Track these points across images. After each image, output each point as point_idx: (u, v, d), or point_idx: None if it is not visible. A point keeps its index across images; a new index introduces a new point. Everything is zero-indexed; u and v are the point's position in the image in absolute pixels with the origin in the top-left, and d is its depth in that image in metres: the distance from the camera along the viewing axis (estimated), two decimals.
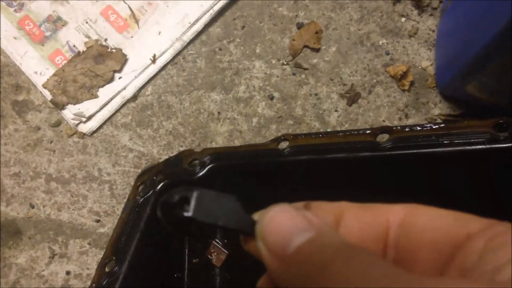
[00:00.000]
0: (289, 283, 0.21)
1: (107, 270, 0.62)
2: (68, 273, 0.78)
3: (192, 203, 0.25)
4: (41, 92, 0.84)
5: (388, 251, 0.24)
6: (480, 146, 0.53)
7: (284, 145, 0.63)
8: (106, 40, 0.83)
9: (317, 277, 0.20)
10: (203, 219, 0.25)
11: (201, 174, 0.65)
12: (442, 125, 0.55)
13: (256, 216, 0.25)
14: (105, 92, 0.81)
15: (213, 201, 0.26)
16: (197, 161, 0.66)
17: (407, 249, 0.23)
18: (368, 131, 0.59)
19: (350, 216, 0.25)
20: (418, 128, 0.56)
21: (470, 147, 0.53)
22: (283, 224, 0.23)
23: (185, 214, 0.25)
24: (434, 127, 0.55)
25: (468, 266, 0.20)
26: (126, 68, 0.82)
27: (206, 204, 0.25)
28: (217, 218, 0.25)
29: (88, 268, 0.78)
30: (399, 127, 0.57)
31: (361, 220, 0.25)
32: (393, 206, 0.25)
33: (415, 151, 0.56)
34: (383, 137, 0.58)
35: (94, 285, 0.62)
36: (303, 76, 0.78)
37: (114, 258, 0.63)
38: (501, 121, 0.52)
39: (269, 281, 0.26)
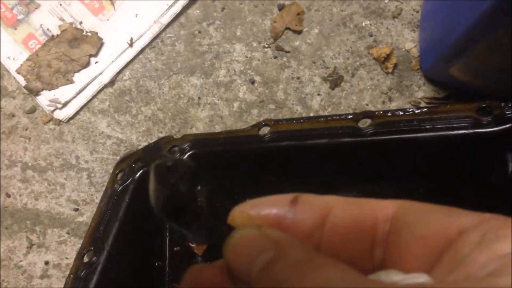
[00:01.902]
0: None
1: (85, 260, 0.61)
2: (46, 263, 0.77)
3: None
4: (14, 78, 0.81)
5: (376, 247, 0.24)
6: (463, 131, 0.52)
7: (265, 130, 0.62)
8: (81, 23, 0.80)
9: None
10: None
11: None
12: (425, 109, 0.54)
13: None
14: (81, 77, 0.79)
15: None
16: (176, 148, 0.64)
17: (397, 244, 0.23)
18: (350, 116, 0.58)
19: (337, 211, 0.24)
20: (401, 112, 0.55)
21: (453, 132, 0.52)
22: (243, 248, 0.22)
23: (171, 180, 0.24)
24: (416, 111, 0.54)
25: (458, 261, 0.20)
26: (102, 52, 0.79)
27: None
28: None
29: (67, 258, 0.76)
30: (381, 112, 0.56)
31: (348, 215, 0.24)
32: (382, 202, 0.24)
33: (396, 136, 0.54)
34: (366, 122, 0.57)
35: (72, 276, 0.60)
36: (285, 59, 0.76)
37: (92, 248, 0.62)
38: (484, 105, 0.51)
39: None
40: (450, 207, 0.22)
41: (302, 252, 0.21)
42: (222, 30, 0.78)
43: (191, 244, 0.69)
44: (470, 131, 0.51)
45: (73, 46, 0.79)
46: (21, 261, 0.77)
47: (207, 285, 0.24)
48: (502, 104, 0.51)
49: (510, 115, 0.50)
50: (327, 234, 0.24)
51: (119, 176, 0.65)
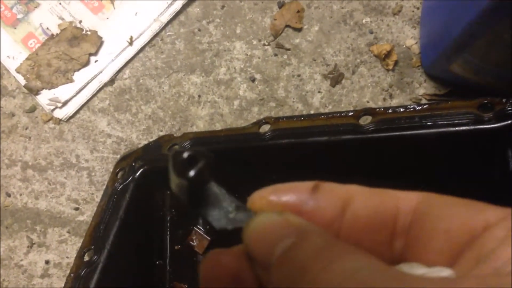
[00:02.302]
0: None
1: (86, 259, 0.61)
2: (47, 262, 0.76)
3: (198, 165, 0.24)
4: (14, 77, 0.81)
5: (396, 238, 0.23)
6: (464, 128, 0.51)
7: (265, 128, 0.61)
8: (80, 22, 0.80)
9: (300, 283, 0.19)
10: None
11: None
12: (426, 106, 0.54)
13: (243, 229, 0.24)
14: (81, 76, 0.79)
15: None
16: (177, 146, 0.64)
17: (419, 237, 0.22)
18: (350, 113, 0.57)
19: (358, 200, 0.24)
20: (401, 109, 0.55)
21: (454, 129, 0.52)
22: (265, 233, 0.22)
23: (189, 173, 0.24)
24: (417, 108, 0.54)
25: (483, 256, 0.20)
26: (102, 51, 0.79)
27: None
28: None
29: (67, 257, 0.76)
30: (382, 109, 0.56)
31: (370, 205, 0.24)
32: (404, 193, 0.24)
33: (398, 133, 0.54)
34: (366, 119, 0.57)
35: (72, 275, 0.60)
36: (285, 56, 0.76)
37: (92, 247, 0.61)
38: (485, 101, 0.51)
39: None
40: (474, 201, 0.22)
41: (324, 239, 0.21)
42: (222, 28, 0.78)
43: (191, 243, 0.69)
44: (471, 127, 0.51)
45: (73, 45, 0.79)
46: (21, 260, 0.77)
47: (225, 271, 0.24)
48: (503, 100, 0.51)
49: (511, 111, 0.50)
50: (347, 223, 0.24)
51: (119, 175, 0.65)
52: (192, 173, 0.24)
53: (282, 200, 0.25)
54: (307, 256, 0.20)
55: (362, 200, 0.24)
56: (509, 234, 0.19)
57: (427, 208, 0.23)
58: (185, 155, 0.24)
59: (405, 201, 0.23)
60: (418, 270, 0.21)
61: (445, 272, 0.20)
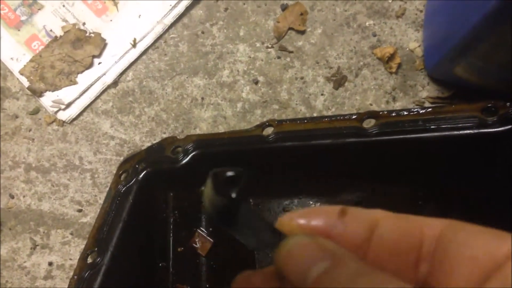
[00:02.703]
0: None
1: (89, 261, 0.61)
2: (50, 264, 0.77)
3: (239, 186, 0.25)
4: (18, 79, 0.81)
5: (421, 264, 0.24)
6: (468, 131, 0.51)
7: (269, 131, 0.61)
8: (84, 24, 0.80)
9: None
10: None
11: (184, 161, 0.63)
12: (429, 109, 0.54)
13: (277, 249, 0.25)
14: (84, 78, 0.79)
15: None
16: (180, 149, 0.64)
17: (444, 263, 0.23)
18: (354, 116, 0.57)
19: (385, 225, 0.25)
20: (405, 112, 0.55)
21: (458, 132, 0.52)
22: (299, 256, 0.23)
23: (231, 193, 0.24)
24: (421, 111, 0.54)
25: (507, 285, 0.20)
26: (106, 53, 0.79)
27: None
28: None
29: (71, 259, 0.76)
30: (385, 112, 0.56)
31: (396, 230, 0.25)
32: (429, 219, 0.24)
33: (401, 136, 0.54)
34: (370, 122, 0.57)
35: (75, 277, 0.60)
36: (288, 59, 0.76)
37: (96, 249, 0.61)
38: (489, 105, 0.51)
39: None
40: (498, 230, 0.22)
41: (358, 265, 0.22)
42: (225, 31, 0.78)
43: (194, 245, 0.69)
44: (475, 131, 0.51)
45: (76, 47, 0.79)
46: (24, 262, 0.77)
47: None
48: (508, 104, 0.51)
49: None
50: (374, 247, 0.24)
51: (122, 177, 0.65)
52: (234, 193, 0.24)
53: (311, 224, 0.25)
54: (342, 281, 0.21)
55: (388, 225, 0.25)
56: None
57: (452, 235, 0.23)
58: (228, 174, 0.25)
59: (431, 226, 0.24)
60: None
61: None
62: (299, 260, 0.23)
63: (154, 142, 0.72)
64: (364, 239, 0.25)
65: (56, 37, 0.80)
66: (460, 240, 0.23)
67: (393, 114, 0.55)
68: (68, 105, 0.79)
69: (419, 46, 0.73)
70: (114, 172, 0.66)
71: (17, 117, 0.81)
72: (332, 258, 0.22)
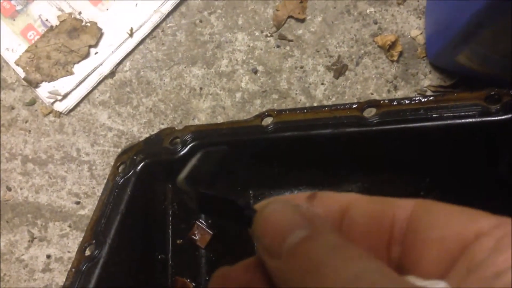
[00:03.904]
0: (284, 283, 0.21)
1: (87, 254, 0.61)
2: (48, 256, 0.76)
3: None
4: (13, 70, 0.80)
5: (394, 245, 0.24)
6: (471, 120, 0.50)
7: (268, 121, 0.60)
8: (80, 13, 0.79)
9: (311, 277, 0.20)
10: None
11: (182, 152, 0.63)
12: (431, 98, 0.53)
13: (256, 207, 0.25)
14: (81, 69, 0.78)
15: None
16: (178, 139, 0.63)
17: (414, 245, 0.23)
18: (354, 106, 0.56)
19: (356, 208, 0.24)
20: (406, 101, 0.53)
21: (460, 121, 0.50)
22: (276, 222, 0.22)
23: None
24: (423, 100, 0.53)
25: (473, 266, 0.20)
26: (102, 43, 0.78)
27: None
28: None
29: (69, 252, 0.75)
30: (386, 101, 0.55)
31: (367, 213, 0.24)
32: (401, 200, 0.24)
33: (403, 125, 0.53)
34: (371, 111, 0.56)
35: (73, 269, 0.60)
36: (288, 48, 0.75)
37: (94, 241, 0.61)
38: (492, 93, 0.50)
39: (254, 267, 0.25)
40: (469, 209, 0.22)
41: (338, 238, 0.21)
42: (223, 19, 0.77)
43: (193, 237, 0.68)
44: (478, 119, 0.50)
45: (73, 37, 0.78)
46: (22, 255, 0.77)
47: (236, 285, 0.24)
48: (511, 91, 0.49)
49: None
50: (345, 230, 0.24)
51: (120, 169, 0.64)
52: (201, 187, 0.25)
53: None
54: (320, 252, 0.20)
55: (360, 207, 0.24)
56: (498, 243, 0.19)
57: (421, 215, 0.23)
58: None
59: (401, 208, 0.23)
60: (416, 282, 0.21)
61: (440, 285, 0.20)
62: (276, 226, 0.22)
63: (152, 133, 0.71)
64: (334, 221, 0.24)
65: (51, 26, 0.79)
66: (429, 221, 0.22)
67: (394, 103, 0.54)
68: (65, 96, 0.78)
69: (421, 33, 0.71)
70: (112, 163, 0.66)
71: (13, 108, 0.80)
72: (310, 227, 0.21)
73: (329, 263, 0.19)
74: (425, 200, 0.23)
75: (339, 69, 0.73)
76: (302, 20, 0.75)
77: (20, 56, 0.78)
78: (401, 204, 0.24)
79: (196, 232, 0.68)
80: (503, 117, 0.49)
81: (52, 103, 0.78)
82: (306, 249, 0.21)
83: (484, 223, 0.21)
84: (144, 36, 0.78)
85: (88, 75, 0.77)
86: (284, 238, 0.21)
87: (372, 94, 0.71)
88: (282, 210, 0.23)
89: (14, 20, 0.80)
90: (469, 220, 0.21)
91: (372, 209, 0.24)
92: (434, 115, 0.52)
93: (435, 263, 0.21)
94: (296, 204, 0.23)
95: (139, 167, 0.63)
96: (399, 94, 0.71)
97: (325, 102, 0.72)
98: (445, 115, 0.51)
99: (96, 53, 0.78)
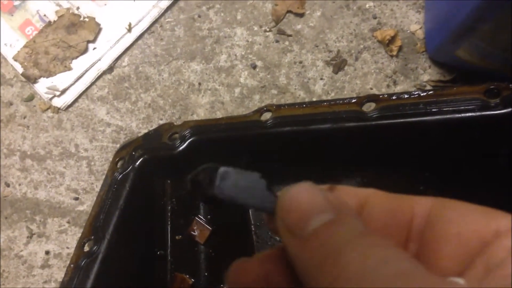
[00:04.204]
0: (304, 264, 0.21)
1: (86, 249, 0.60)
2: (47, 252, 0.76)
3: (216, 181, 0.25)
4: (12, 65, 0.79)
5: (411, 242, 0.24)
6: (470, 114, 0.50)
7: (267, 116, 0.60)
8: (78, 8, 0.78)
9: (331, 263, 0.19)
10: (225, 197, 0.25)
11: (181, 148, 0.62)
12: (431, 92, 0.52)
13: (280, 193, 0.25)
14: (79, 64, 0.77)
15: (238, 178, 0.25)
16: (177, 135, 0.63)
17: (432, 241, 0.23)
18: (353, 100, 0.56)
19: (374, 203, 0.24)
20: (406, 96, 0.53)
21: (460, 115, 0.50)
22: (303, 203, 0.22)
23: (210, 191, 0.25)
24: (422, 94, 0.52)
25: (493, 265, 0.20)
26: (101, 38, 0.78)
27: (229, 181, 0.25)
28: (239, 196, 0.25)
29: (68, 247, 0.75)
30: (385, 95, 0.54)
31: (386, 208, 0.24)
32: (420, 198, 0.24)
33: (402, 120, 0.53)
34: (370, 106, 0.56)
35: (72, 265, 0.59)
36: (287, 43, 0.74)
37: (92, 237, 0.61)
38: (492, 87, 0.50)
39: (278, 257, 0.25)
40: (488, 208, 0.22)
41: (362, 226, 0.21)
42: (222, 14, 0.77)
43: (192, 233, 0.68)
44: (478, 113, 0.50)
45: (71, 32, 0.77)
46: (21, 251, 0.77)
47: (253, 277, 0.24)
48: (511, 85, 0.49)
49: None
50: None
51: (119, 164, 0.64)
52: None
53: None
54: (346, 237, 0.20)
55: (378, 203, 0.24)
56: None
57: (440, 212, 0.23)
58: (200, 176, 0.26)
59: (421, 205, 0.23)
60: None
61: (459, 282, 0.20)
62: (301, 206, 0.22)
63: (151, 128, 0.71)
64: None
65: (49, 22, 0.78)
66: (448, 218, 0.22)
67: (394, 98, 0.54)
68: (63, 92, 0.77)
69: (420, 28, 0.71)
70: (111, 159, 0.65)
71: (11, 104, 0.79)
72: (336, 212, 0.21)
73: (355, 248, 0.19)
74: (444, 198, 0.23)
75: (338, 64, 0.72)
76: (301, 15, 0.74)
77: (18, 51, 0.78)
78: (420, 201, 0.24)
79: (195, 228, 0.68)
80: (503, 111, 0.49)
81: (51, 99, 0.78)
82: (331, 232, 0.20)
83: (503, 222, 0.21)
84: (143, 31, 0.77)
85: (86, 71, 0.77)
86: (309, 219, 0.21)
87: (371, 89, 0.71)
88: (309, 192, 0.22)
89: (12, 15, 0.80)
90: (487, 219, 0.21)
91: (391, 205, 0.24)
92: (433, 109, 0.52)
93: (452, 260, 0.21)
94: (323, 189, 0.23)
95: (137, 163, 0.63)
96: (399, 89, 0.71)
97: (324, 97, 0.72)
98: (445, 109, 0.51)
99: (94, 48, 0.77)
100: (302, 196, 0.22)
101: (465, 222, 0.21)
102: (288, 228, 0.22)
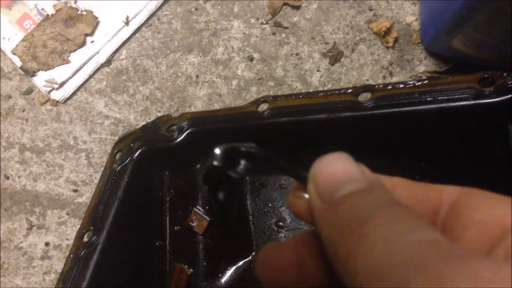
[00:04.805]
0: (330, 229, 0.21)
1: (85, 240, 0.61)
2: (47, 244, 0.76)
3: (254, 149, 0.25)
4: (10, 59, 0.80)
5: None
6: (465, 103, 0.50)
7: (264, 107, 0.61)
8: (76, 2, 0.79)
9: (356, 229, 0.19)
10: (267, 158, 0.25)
11: (179, 139, 0.63)
12: (426, 81, 0.53)
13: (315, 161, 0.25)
14: (77, 57, 0.78)
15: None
16: (175, 127, 0.64)
17: (455, 227, 0.23)
18: (349, 90, 0.56)
19: (401, 190, 0.25)
20: (401, 85, 0.54)
21: (454, 104, 0.51)
22: (336, 170, 0.23)
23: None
24: (417, 84, 0.53)
25: None
26: (98, 31, 0.78)
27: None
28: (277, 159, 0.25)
29: (67, 239, 0.76)
30: (381, 85, 0.55)
31: (412, 195, 0.24)
32: (447, 187, 0.24)
33: (397, 109, 0.53)
34: (366, 96, 0.56)
35: (72, 256, 0.60)
36: (284, 35, 0.75)
37: (92, 228, 0.61)
38: (486, 75, 0.50)
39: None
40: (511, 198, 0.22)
41: (391, 197, 0.21)
42: (219, 7, 0.77)
43: (191, 224, 0.68)
44: (472, 102, 0.50)
45: (69, 26, 0.78)
46: (21, 242, 0.77)
47: (287, 262, 0.24)
48: (504, 74, 0.50)
49: None
50: None
51: (117, 156, 0.65)
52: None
53: None
54: (374, 205, 0.20)
55: (406, 190, 0.25)
56: None
57: (464, 200, 0.23)
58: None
59: (448, 194, 0.24)
60: None
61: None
62: (334, 173, 0.22)
63: (149, 121, 0.72)
64: None
65: (48, 15, 0.79)
66: (472, 205, 0.22)
67: (389, 87, 0.54)
68: (61, 85, 0.78)
69: (416, 19, 0.71)
70: (109, 151, 0.66)
71: (10, 97, 0.80)
72: (368, 183, 0.22)
73: (382, 214, 0.19)
74: (470, 188, 0.24)
75: (334, 56, 0.73)
76: (298, 7, 0.75)
77: (17, 45, 0.78)
78: (448, 190, 0.24)
79: (193, 218, 0.68)
80: (497, 99, 0.49)
81: (49, 92, 0.78)
82: (361, 199, 0.21)
83: None
84: (140, 24, 0.78)
85: (84, 64, 0.78)
86: (341, 186, 0.22)
87: (367, 80, 0.72)
88: (344, 161, 0.23)
89: (10, 9, 0.80)
90: (510, 208, 0.21)
91: (417, 192, 0.24)
92: (428, 99, 0.52)
93: (474, 245, 0.21)
94: (357, 161, 0.24)
95: (136, 155, 0.64)
96: (395, 80, 0.71)
97: (320, 89, 0.72)
98: (439, 98, 0.52)
99: (92, 41, 0.78)
100: (337, 163, 0.23)
101: (489, 210, 0.22)
102: (319, 194, 0.22)
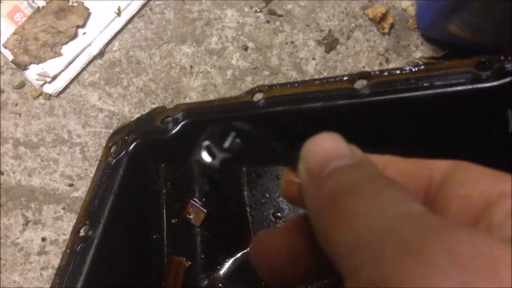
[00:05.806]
0: (316, 203, 0.21)
1: (81, 234, 0.61)
2: (43, 239, 0.76)
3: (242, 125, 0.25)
4: (1, 53, 0.79)
5: (427, 205, 0.23)
6: (462, 87, 0.50)
7: (259, 96, 0.60)
8: None
9: (340, 201, 0.20)
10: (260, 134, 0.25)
11: (174, 131, 0.62)
12: (422, 67, 0.52)
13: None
14: (69, 50, 0.77)
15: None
16: (169, 118, 0.63)
17: (440, 202, 0.23)
18: (345, 78, 0.56)
19: (392, 168, 0.25)
20: (397, 71, 0.53)
21: (451, 89, 0.50)
22: (327, 148, 0.23)
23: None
24: (413, 69, 0.52)
25: (494, 226, 0.20)
26: (90, 23, 0.77)
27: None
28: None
29: (64, 234, 0.75)
30: (377, 72, 0.54)
31: (403, 172, 0.24)
32: (439, 161, 0.24)
33: (394, 96, 0.53)
34: (362, 83, 0.55)
35: (68, 250, 0.60)
36: (278, 23, 0.74)
37: (88, 222, 0.61)
38: (483, 60, 0.49)
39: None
40: (497, 171, 0.22)
41: (379, 173, 0.21)
42: None
43: (188, 216, 0.68)
44: (469, 86, 0.50)
45: (60, 18, 0.76)
46: (17, 238, 0.77)
47: (280, 248, 0.25)
48: (502, 57, 0.49)
49: (510, 68, 0.48)
50: None
51: (112, 149, 0.64)
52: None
53: None
54: (360, 179, 0.20)
55: (397, 167, 0.24)
56: None
57: (452, 175, 0.23)
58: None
59: (439, 169, 0.24)
60: None
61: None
62: (324, 151, 0.22)
63: (144, 113, 0.71)
64: None
65: (38, 8, 0.77)
66: (458, 179, 0.22)
67: (385, 74, 0.54)
68: (54, 78, 0.77)
69: (411, 4, 0.70)
70: (104, 144, 0.65)
71: (2, 92, 0.79)
72: (356, 160, 0.22)
73: (368, 188, 0.19)
74: (460, 161, 0.23)
75: (330, 43, 0.72)
76: None
77: (8, 38, 0.77)
78: (440, 165, 0.24)
79: (190, 211, 0.68)
80: (494, 83, 0.49)
81: (42, 86, 0.77)
82: (347, 173, 0.21)
83: (508, 185, 0.20)
84: (132, 15, 0.77)
85: (76, 56, 0.77)
86: (328, 162, 0.22)
87: (364, 67, 0.71)
88: (334, 140, 0.23)
89: (0, 2, 0.79)
90: (496, 181, 0.21)
91: (409, 169, 0.24)
92: (425, 84, 0.51)
93: (457, 219, 0.21)
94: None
95: (131, 147, 0.63)
96: (391, 66, 0.70)
97: (316, 77, 0.72)
98: (436, 83, 0.51)
99: (84, 33, 0.77)
100: (328, 142, 0.23)
101: (473, 183, 0.22)
102: (308, 171, 0.22)
